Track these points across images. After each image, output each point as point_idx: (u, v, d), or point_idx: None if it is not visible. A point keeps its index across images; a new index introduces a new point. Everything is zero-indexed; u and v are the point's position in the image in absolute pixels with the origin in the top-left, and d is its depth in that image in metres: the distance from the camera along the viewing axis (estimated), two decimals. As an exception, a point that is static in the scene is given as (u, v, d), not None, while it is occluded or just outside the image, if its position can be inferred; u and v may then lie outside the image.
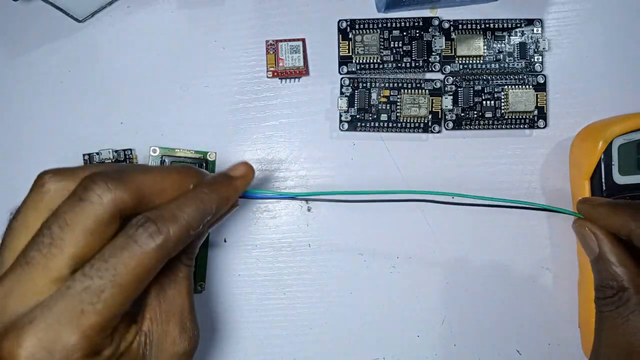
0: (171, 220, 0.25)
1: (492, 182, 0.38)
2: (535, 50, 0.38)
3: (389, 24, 0.37)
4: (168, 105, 0.37)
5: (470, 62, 0.37)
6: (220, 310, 0.37)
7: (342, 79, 0.37)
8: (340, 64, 0.37)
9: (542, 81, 0.37)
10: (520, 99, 0.37)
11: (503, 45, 0.38)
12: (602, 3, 0.38)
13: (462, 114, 0.37)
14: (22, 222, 0.25)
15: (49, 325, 0.22)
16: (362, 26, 0.37)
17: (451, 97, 0.37)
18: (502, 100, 0.37)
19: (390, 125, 0.37)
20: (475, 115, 0.37)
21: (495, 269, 0.37)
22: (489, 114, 0.37)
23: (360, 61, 0.37)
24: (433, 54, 0.37)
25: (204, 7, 0.38)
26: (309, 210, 0.38)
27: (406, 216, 0.37)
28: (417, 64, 0.37)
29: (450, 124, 0.37)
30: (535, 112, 0.37)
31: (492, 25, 0.37)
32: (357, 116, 0.37)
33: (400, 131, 0.37)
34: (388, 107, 0.37)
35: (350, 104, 0.37)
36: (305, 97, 0.38)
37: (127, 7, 0.38)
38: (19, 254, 0.23)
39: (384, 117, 0.37)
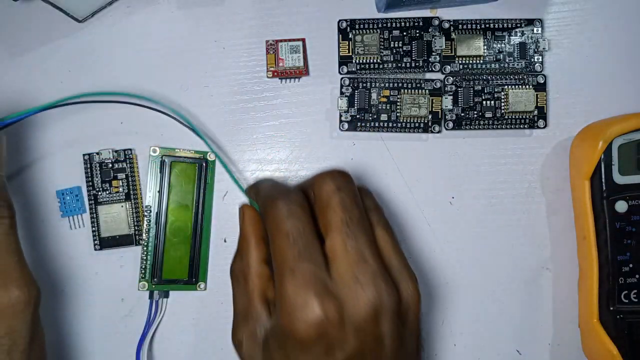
0: None
1: (492, 182, 0.38)
2: (535, 50, 0.38)
3: (389, 24, 0.37)
4: (168, 105, 0.37)
5: (470, 62, 0.37)
6: (220, 310, 0.37)
7: (342, 79, 0.37)
8: (340, 64, 0.37)
9: (542, 81, 0.37)
10: (520, 99, 0.37)
11: (503, 45, 0.38)
12: (602, 3, 0.38)
13: (462, 114, 0.37)
14: None
15: None
16: (362, 26, 0.37)
17: (451, 97, 0.37)
18: (502, 100, 0.37)
19: (390, 125, 0.37)
20: (475, 115, 0.37)
21: (495, 269, 0.37)
22: (489, 114, 0.37)
23: (360, 61, 0.37)
24: (433, 54, 0.37)
25: (204, 7, 0.38)
26: (309, 210, 0.38)
27: (406, 216, 0.37)
28: (417, 64, 0.37)
29: (450, 124, 0.37)
30: (535, 112, 0.37)
31: (492, 25, 0.37)
32: (357, 116, 0.37)
33: (400, 131, 0.37)
34: (388, 107, 0.37)
35: (350, 104, 0.37)
36: (305, 97, 0.38)
37: (127, 7, 0.38)
38: None
39: (384, 117, 0.37)
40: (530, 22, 0.38)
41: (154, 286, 0.36)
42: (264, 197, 0.30)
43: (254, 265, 0.30)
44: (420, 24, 0.37)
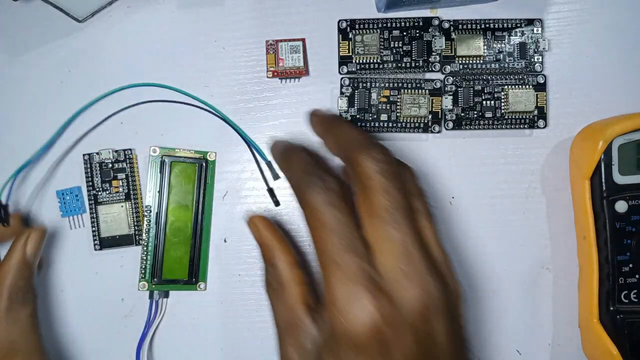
0: None
1: (492, 182, 0.38)
2: (535, 50, 0.38)
3: (389, 24, 0.37)
4: (168, 104, 0.37)
5: (470, 62, 0.37)
6: (220, 310, 0.37)
7: (342, 79, 0.37)
8: (340, 64, 0.37)
9: (542, 81, 0.37)
10: (520, 99, 0.37)
11: (503, 45, 0.38)
12: (602, 3, 0.38)
13: (462, 114, 0.37)
14: None
15: None
16: (362, 26, 0.37)
17: (451, 97, 0.37)
18: (502, 100, 0.37)
19: (390, 125, 0.37)
20: (475, 115, 0.37)
21: (496, 269, 0.37)
22: (489, 114, 0.37)
23: (360, 61, 0.37)
24: (433, 54, 0.37)
25: (204, 7, 0.38)
26: (309, 210, 0.37)
27: (406, 216, 0.37)
28: (417, 64, 0.37)
29: (450, 124, 0.37)
30: (535, 112, 0.37)
31: (492, 25, 0.37)
32: (357, 116, 0.37)
33: (400, 131, 0.37)
34: (388, 107, 0.37)
35: (350, 104, 0.37)
36: (305, 97, 0.38)
37: (127, 7, 0.38)
38: None
39: (384, 117, 0.37)
40: (530, 22, 0.38)
41: (154, 286, 0.36)
42: (297, 180, 0.27)
43: (287, 270, 0.28)
44: (420, 24, 0.37)
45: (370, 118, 0.37)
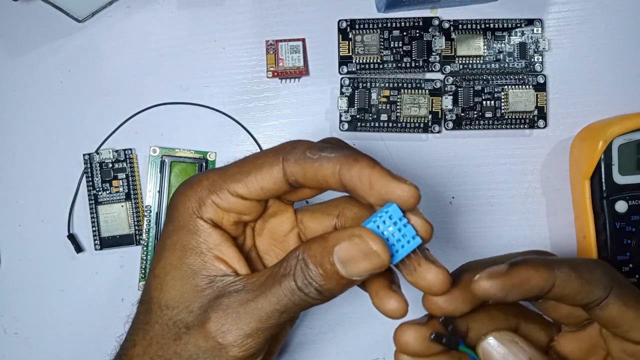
0: None
1: (492, 182, 0.38)
2: (535, 50, 0.38)
3: (389, 24, 0.37)
4: (168, 105, 0.37)
5: (470, 62, 0.37)
6: (220, 310, 0.37)
7: (342, 79, 0.37)
8: (340, 64, 0.37)
9: (542, 81, 0.37)
10: (520, 99, 0.37)
11: (503, 45, 0.38)
12: (602, 3, 0.38)
13: (462, 114, 0.37)
14: None
15: None
16: (362, 26, 0.37)
17: (451, 97, 0.37)
18: (502, 100, 0.37)
19: (390, 125, 0.37)
20: (475, 115, 0.37)
21: (495, 269, 0.37)
22: (489, 114, 0.37)
23: (360, 61, 0.37)
24: (433, 54, 0.37)
25: (204, 7, 0.38)
26: (309, 210, 0.38)
27: (406, 216, 0.37)
28: (417, 64, 0.37)
29: (450, 124, 0.37)
30: (535, 112, 0.37)
31: (492, 25, 0.37)
32: (357, 116, 0.37)
33: (400, 131, 0.37)
34: (388, 107, 0.37)
35: (350, 104, 0.37)
36: (305, 97, 0.38)
37: (127, 7, 0.38)
38: None
39: (384, 117, 0.37)
40: (530, 22, 0.38)
41: (154, 286, 0.36)
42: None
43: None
44: (420, 24, 0.37)
45: (370, 118, 0.37)
